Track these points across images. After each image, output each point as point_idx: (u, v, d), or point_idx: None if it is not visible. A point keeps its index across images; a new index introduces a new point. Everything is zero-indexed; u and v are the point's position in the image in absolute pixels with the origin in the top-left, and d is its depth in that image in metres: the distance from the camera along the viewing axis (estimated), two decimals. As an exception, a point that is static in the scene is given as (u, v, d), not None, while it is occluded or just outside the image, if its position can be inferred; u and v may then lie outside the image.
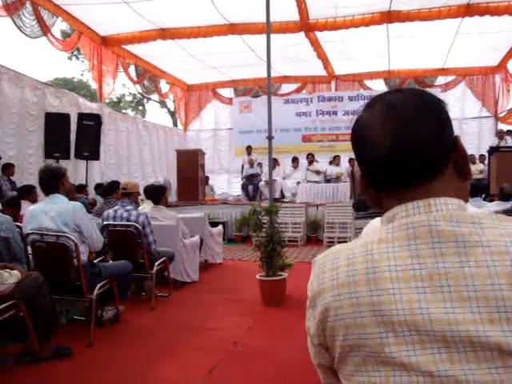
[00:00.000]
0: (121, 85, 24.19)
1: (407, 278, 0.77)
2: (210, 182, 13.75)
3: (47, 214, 3.81)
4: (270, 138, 5.40)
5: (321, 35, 10.69)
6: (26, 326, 3.26)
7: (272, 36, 5.78)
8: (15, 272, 3.26)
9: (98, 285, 3.98)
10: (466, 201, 0.89)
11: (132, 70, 13.19)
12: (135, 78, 13.11)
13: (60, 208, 3.83)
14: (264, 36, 9.45)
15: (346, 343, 0.81)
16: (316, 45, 11.16)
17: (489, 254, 0.74)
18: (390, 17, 9.42)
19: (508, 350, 0.70)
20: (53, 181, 3.90)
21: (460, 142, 0.87)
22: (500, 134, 11.53)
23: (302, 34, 10.29)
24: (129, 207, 5.10)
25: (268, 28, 5.55)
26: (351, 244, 0.89)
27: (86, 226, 3.92)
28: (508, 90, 13.19)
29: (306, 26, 9.90)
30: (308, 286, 0.93)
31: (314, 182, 11.97)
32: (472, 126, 13.87)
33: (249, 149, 13.35)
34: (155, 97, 23.50)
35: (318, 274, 0.90)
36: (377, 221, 2.08)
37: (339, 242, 6.31)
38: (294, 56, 11.58)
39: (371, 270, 0.80)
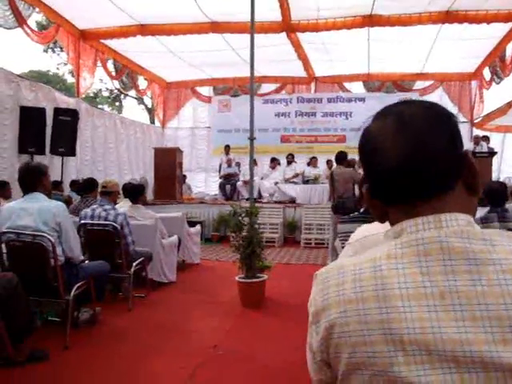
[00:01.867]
0: (98, 80, 23.83)
1: (418, 296, 0.75)
2: (187, 180, 13.64)
3: (26, 211, 3.70)
4: (251, 139, 5.37)
5: (302, 36, 10.69)
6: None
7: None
8: (-11, 273, 3.16)
9: (76, 286, 3.89)
10: (474, 216, 0.87)
11: (110, 65, 13.00)
12: (113, 74, 12.91)
13: (41, 206, 3.73)
14: (245, 35, 9.52)
15: (351, 361, 0.79)
16: (297, 46, 11.15)
17: (501, 273, 0.73)
18: (371, 21, 9.45)
19: None
20: (33, 179, 3.79)
21: (470, 157, 0.86)
22: (476, 140, 11.71)
23: (284, 34, 10.27)
24: (107, 206, 5.00)
25: (252, 28, 5.51)
26: (356, 259, 0.87)
27: (67, 227, 3.82)
28: (482, 97, 13.44)
29: (288, 26, 9.88)
30: (309, 302, 0.90)
31: (292, 182, 12.00)
32: (448, 131, 14.05)
33: (227, 148, 13.31)
34: (132, 93, 23.24)
35: (321, 289, 0.87)
36: (367, 228, 2.06)
37: (316, 244, 6.36)
38: (274, 56, 11.55)
39: (380, 286, 0.78)
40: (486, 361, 0.70)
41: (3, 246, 3.76)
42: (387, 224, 2.06)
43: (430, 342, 0.73)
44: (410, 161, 0.81)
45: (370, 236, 1.96)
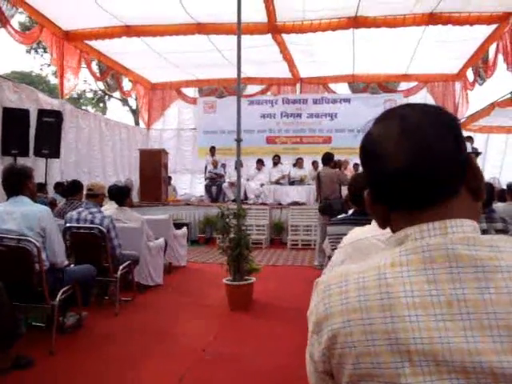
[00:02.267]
0: (82, 81, 23.60)
1: (425, 305, 0.73)
2: (172, 182, 13.57)
3: (11, 215, 3.62)
4: (238, 140, 5.34)
5: (287, 38, 10.69)
6: (-16, 335, 3.10)
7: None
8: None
9: (61, 290, 3.82)
10: (478, 221, 0.86)
11: (94, 66, 12.85)
12: (98, 75, 12.78)
13: (26, 210, 3.65)
14: (231, 36, 9.48)
15: (355, 372, 0.77)
16: (282, 47, 11.14)
17: (509, 280, 0.71)
18: (356, 22, 9.48)
19: None
20: (18, 182, 3.71)
21: (473, 161, 0.84)
22: (460, 141, 11.80)
23: (269, 35, 10.26)
24: (93, 209, 4.93)
25: (239, 30, 5.48)
26: (359, 266, 0.85)
27: (51, 232, 3.75)
28: (466, 98, 13.57)
29: (274, 28, 9.87)
30: (310, 310, 0.88)
31: (278, 183, 11.99)
32: (432, 132, 14.14)
33: (212, 150, 13.28)
34: (117, 94, 23.06)
35: (323, 297, 0.85)
36: (360, 231, 2.05)
37: (303, 245, 6.38)
38: (260, 58, 11.53)
39: (385, 295, 0.76)
40: (495, 371, 0.68)
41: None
42: (378, 227, 2.03)
43: (437, 353, 0.71)
44: (415, 165, 0.79)
45: (363, 239, 1.96)
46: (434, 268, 0.75)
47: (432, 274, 0.75)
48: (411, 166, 0.79)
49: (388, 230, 1.96)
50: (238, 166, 5.70)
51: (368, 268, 0.81)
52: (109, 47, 11.48)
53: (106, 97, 26.68)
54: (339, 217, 3.92)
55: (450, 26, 9.36)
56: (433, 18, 9.26)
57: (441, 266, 0.75)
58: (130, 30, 10.19)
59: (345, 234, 3.05)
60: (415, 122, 0.82)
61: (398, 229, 0.85)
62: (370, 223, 2.08)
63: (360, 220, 2.95)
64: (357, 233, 2.03)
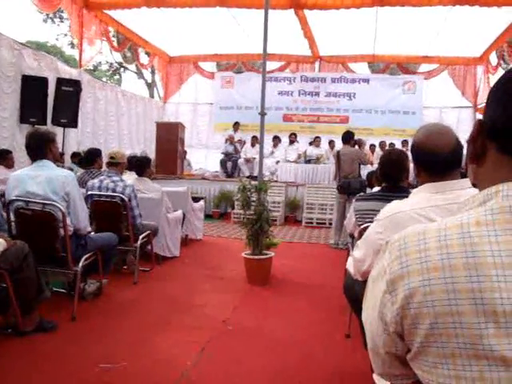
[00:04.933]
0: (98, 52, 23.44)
1: None
2: (187, 156, 13.54)
3: (34, 179, 3.62)
4: (262, 114, 5.31)
5: (309, 14, 10.51)
6: (9, 298, 3.12)
7: (261, 11, 5.60)
8: (0, 240, 3.09)
9: (84, 257, 3.84)
10: None
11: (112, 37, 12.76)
12: (116, 45, 12.70)
13: (50, 174, 3.64)
14: (252, 11, 9.36)
15: (433, 332, 0.75)
16: (304, 23, 10.97)
17: None
18: (381, 0, 9.29)
19: None
20: (41, 146, 3.69)
21: None
22: (479, 124, 11.63)
23: (292, 11, 10.10)
24: (115, 178, 4.91)
25: (267, 4, 5.37)
26: (437, 225, 0.81)
27: (75, 197, 3.74)
28: (488, 82, 13.33)
29: (297, 3, 9.71)
30: (381, 269, 0.86)
31: (294, 161, 11.93)
32: (451, 116, 13.94)
33: (236, 125, 13.26)
34: (132, 67, 22.97)
35: (398, 255, 0.82)
36: (397, 205, 2.01)
37: (318, 223, 6.35)
38: (280, 34, 11.35)
39: (470, 253, 0.73)
40: None
41: (11, 214, 3.70)
42: (418, 201, 1.98)
43: None
44: None
45: (401, 213, 1.92)
46: None
47: None
48: None
49: (428, 203, 1.90)
50: (262, 139, 5.69)
51: (449, 226, 0.78)
52: (128, 18, 11.39)
53: (122, 69, 26.55)
54: (367, 192, 3.87)
55: (477, 6, 9.11)
56: (460, -2, 9.03)
57: None
58: (150, 1, 10.06)
59: (373, 210, 3.01)
60: None
61: (490, 180, 0.80)
62: (396, 199, 2.06)
63: (388, 196, 2.91)
64: (395, 206, 1.99)
